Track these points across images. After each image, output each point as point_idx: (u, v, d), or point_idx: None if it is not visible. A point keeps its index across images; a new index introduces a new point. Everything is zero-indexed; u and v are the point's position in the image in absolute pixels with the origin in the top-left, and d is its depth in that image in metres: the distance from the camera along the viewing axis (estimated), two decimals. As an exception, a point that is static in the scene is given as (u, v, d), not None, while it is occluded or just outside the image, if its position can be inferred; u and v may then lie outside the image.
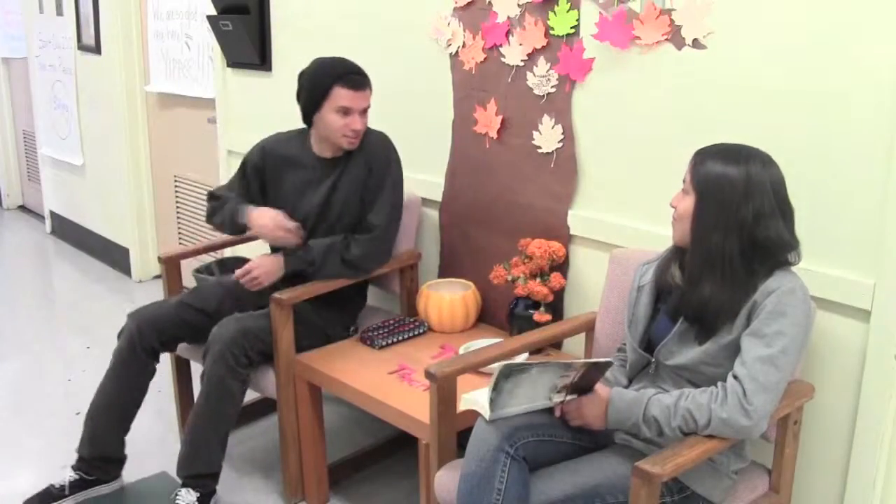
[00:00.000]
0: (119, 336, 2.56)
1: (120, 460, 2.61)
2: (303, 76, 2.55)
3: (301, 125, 2.63)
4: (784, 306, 1.66)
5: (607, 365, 1.81)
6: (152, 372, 2.58)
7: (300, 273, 2.56)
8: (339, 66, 2.50)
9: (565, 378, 1.77)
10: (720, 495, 1.78)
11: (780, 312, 1.65)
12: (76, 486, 2.52)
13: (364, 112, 2.52)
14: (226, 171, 3.76)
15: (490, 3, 2.51)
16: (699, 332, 1.75)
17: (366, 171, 2.56)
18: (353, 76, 2.48)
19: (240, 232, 2.65)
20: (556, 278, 2.41)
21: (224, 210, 2.62)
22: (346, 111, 2.47)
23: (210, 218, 2.69)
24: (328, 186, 2.57)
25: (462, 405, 1.88)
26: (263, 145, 2.69)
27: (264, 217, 2.54)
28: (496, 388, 1.72)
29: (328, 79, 2.47)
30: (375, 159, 2.57)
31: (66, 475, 2.53)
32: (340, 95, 2.46)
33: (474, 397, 1.82)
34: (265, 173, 2.66)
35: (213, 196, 2.70)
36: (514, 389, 1.76)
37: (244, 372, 2.40)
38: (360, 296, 2.75)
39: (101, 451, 2.56)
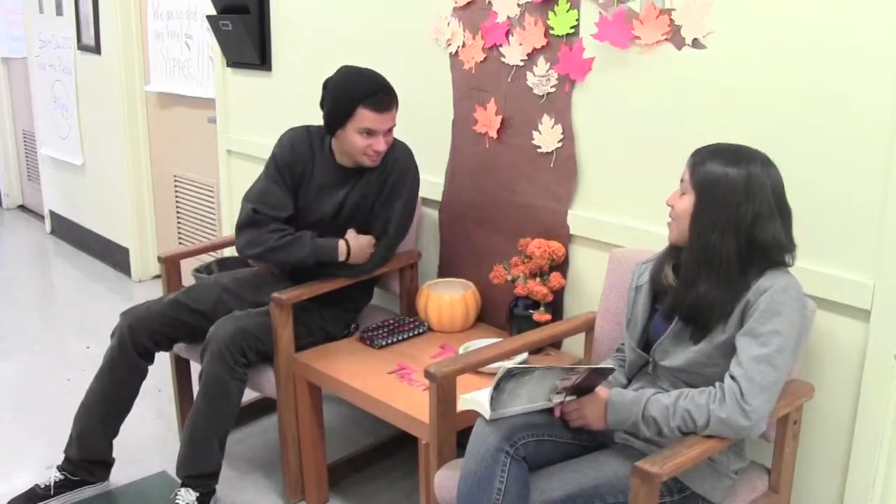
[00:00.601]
0: (112, 336, 2.54)
1: (106, 462, 2.60)
2: (328, 87, 2.47)
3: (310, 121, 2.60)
4: (778, 305, 1.66)
5: (609, 371, 1.82)
6: (144, 373, 2.56)
7: (301, 271, 2.56)
8: (366, 85, 2.41)
9: (566, 381, 1.77)
10: (720, 495, 1.78)
11: (775, 311, 1.65)
12: (61, 487, 2.51)
13: (389, 131, 2.46)
14: (226, 171, 3.76)
15: (490, 3, 2.51)
16: (693, 332, 1.75)
17: (381, 180, 2.54)
18: (379, 97, 2.40)
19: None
20: (555, 278, 2.41)
21: (298, 247, 2.47)
22: (370, 132, 2.42)
23: (270, 253, 2.48)
24: (343, 195, 2.55)
25: (461, 405, 1.88)
26: (292, 144, 2.58)
27: (364, 250, 2.53)
28: (498, 388, 1.73)
29: (354, 99, 2.39)
30: (395, 168, 2.53)
31: (52, 475, 2.52)
32: (365, 118, 2.39)
33: (474, 397, 1.82)
34: (295, 169, 2.56)
35: (255, 222, 2.49)
36: (516, 390, 1.76)
37: (242, 371, 2.39)
38: (366, 293, 2.75)
39: (88, 453, 2.55)
